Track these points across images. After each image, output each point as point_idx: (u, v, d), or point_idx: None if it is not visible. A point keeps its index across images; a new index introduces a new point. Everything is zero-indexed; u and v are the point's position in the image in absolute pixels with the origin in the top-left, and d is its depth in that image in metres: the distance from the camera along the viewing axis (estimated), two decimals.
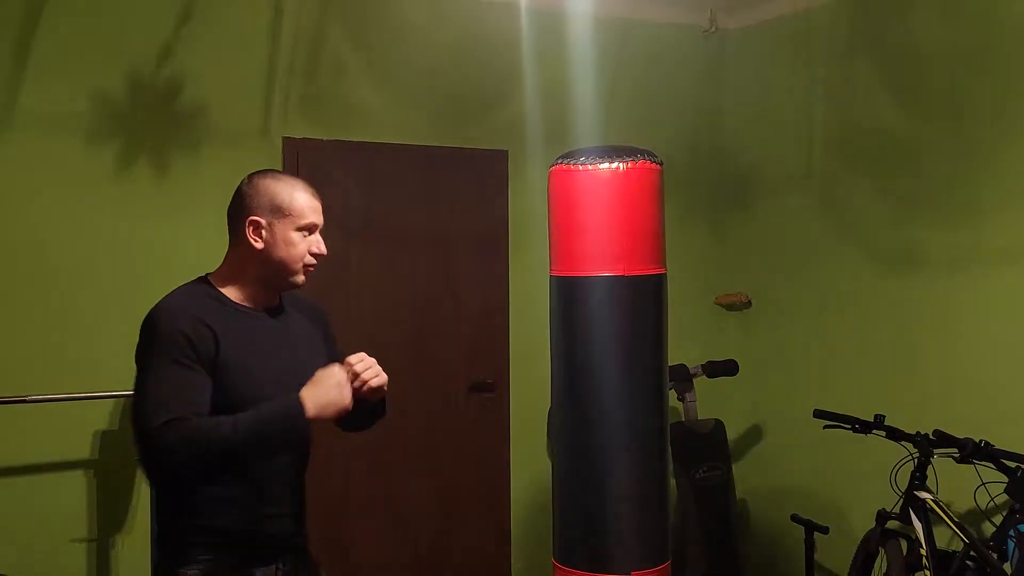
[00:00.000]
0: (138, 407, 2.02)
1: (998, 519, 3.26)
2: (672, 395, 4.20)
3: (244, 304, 2.17)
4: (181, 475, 2.03)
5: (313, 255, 2.19)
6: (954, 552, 3.28)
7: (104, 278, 3.56)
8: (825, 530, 3.93)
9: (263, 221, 2.15)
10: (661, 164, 2.72)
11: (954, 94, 3.70)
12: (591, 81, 4.37)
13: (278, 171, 2.34)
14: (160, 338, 2.04)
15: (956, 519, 3.24)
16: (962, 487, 3.35)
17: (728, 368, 4.45)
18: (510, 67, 4.25)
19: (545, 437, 4.35)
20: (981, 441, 3.22)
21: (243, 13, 3.76)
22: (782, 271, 4.49)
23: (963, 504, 3.43)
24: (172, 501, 2.13)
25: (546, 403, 4.25)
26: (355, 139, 3.99)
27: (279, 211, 2.15)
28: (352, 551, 3.96)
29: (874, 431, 3.47)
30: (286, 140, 3.86)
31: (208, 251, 3.68)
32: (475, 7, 4.16)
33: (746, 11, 4.58)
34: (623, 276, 2.61)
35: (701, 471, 4.18)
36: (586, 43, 4.32)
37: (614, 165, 2.61)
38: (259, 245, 2.15)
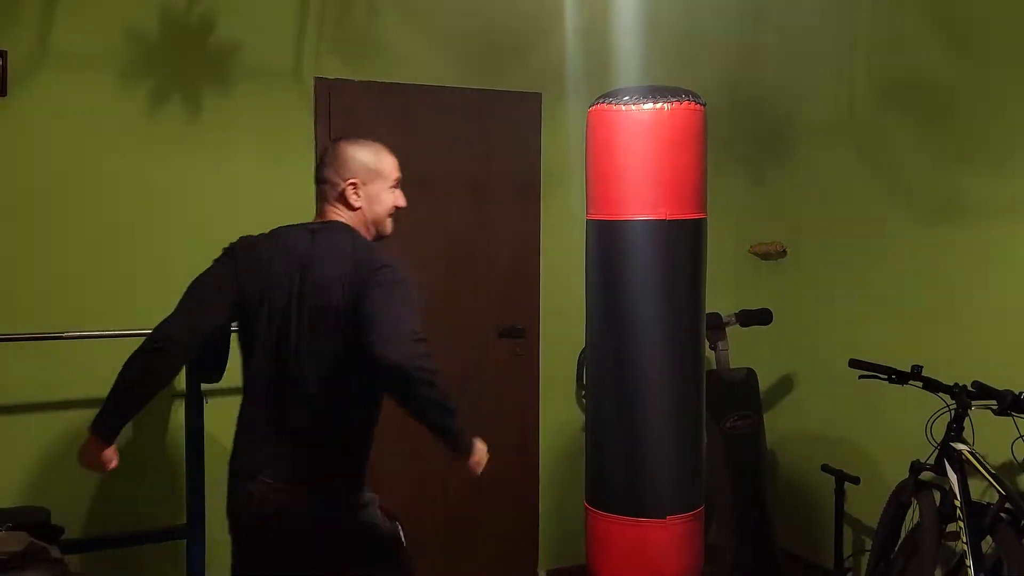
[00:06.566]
0: (411, 324, 2.36)
1: None
2: (704, 343, 4.17)
3: None
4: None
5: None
6: (988, 504, 3.25)
7: (136, 215, 3.57)
8: (856, 480, 3.91)
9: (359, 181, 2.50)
10: (704, 105, 2.65)
11: (1000, 39, 3.57)
12: (627, 22, 4.28)
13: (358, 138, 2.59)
14: (406, 276, 2.45)
15: (992, 471, 3.20)
16: (999, 439, 3.31)
17: (762, 317, 4.40)
18: (545, 8, 4.17)
19: (574, 382, 4.35)
20: (1021, 393, 3.17)
21: None
22: (819, 219, 4.41)
23: (999, 456, 3.39)
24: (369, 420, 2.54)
25: (576, 349, 4.27)
26: (387, 80, 3.95)
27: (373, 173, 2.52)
28: (379, 491, 3.97)
29: (911, 382, 3.43)
30: (318, 80, 3.82)
31: (240, 188, 3.71)
32: None
33: None
34: (663, 220, 2.56)
35: (731, 420, 4.15)
36: None
37: (658, 105, 2.53)
38: (358, 204, 2.51)
